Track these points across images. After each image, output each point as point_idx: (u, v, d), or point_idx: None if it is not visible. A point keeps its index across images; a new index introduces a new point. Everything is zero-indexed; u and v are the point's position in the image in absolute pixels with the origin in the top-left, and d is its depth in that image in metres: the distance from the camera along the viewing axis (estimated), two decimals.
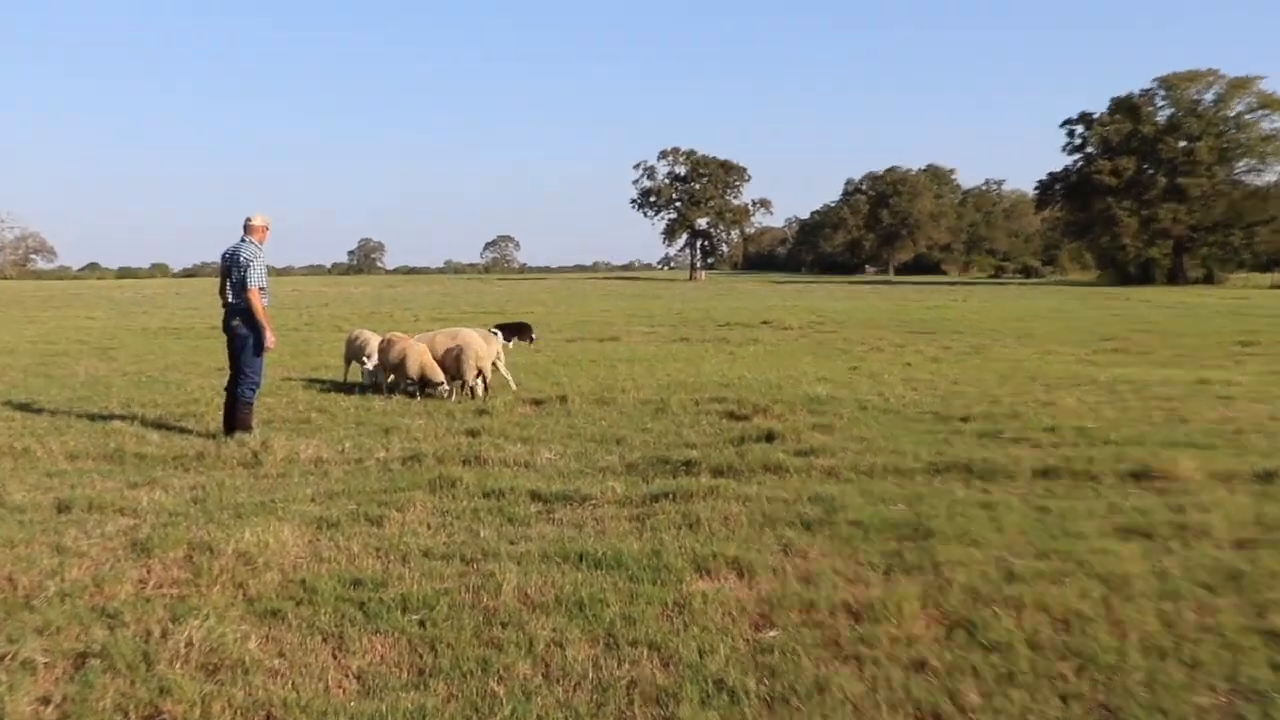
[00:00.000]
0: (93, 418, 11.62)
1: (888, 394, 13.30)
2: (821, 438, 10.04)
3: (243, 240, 10.56)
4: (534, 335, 21.78)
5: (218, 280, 10.83)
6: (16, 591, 5.63)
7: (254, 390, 10.61)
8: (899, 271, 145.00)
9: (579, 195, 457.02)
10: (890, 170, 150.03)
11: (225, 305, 10.60)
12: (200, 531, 6.65)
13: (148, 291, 72.34)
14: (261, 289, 10.49)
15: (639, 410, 12.14)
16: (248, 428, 10.45)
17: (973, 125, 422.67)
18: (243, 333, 10.51)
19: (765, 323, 30.20)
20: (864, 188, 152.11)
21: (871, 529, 6.80)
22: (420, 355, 13.23)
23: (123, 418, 11.66)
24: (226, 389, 10.76)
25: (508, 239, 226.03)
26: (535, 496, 7.76)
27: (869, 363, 18.18)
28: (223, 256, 10.61)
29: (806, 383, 14.57)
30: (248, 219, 10.63)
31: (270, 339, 10.55)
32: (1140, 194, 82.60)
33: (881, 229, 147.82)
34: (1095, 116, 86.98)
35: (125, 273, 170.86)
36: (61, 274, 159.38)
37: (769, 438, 10.01)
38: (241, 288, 10.40)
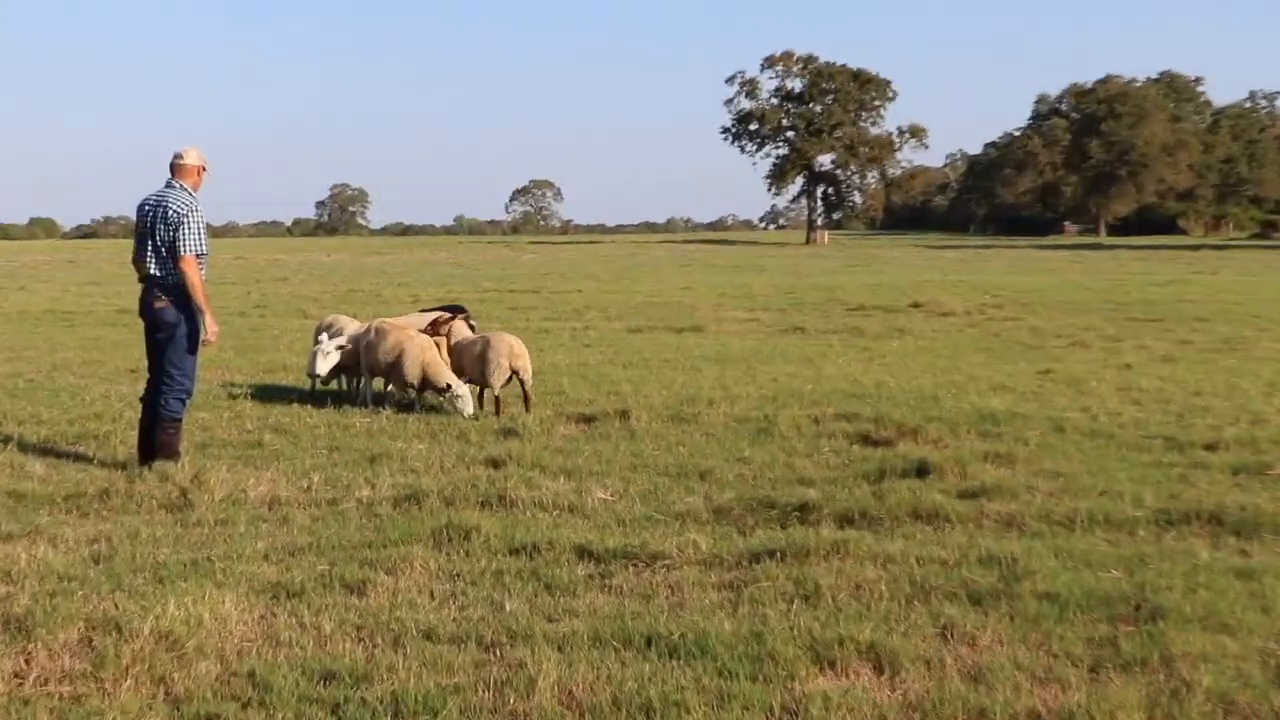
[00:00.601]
0: None
1: (1096, 410, 13.14)
2: (997, 472, 9.96)
3: (169, 185, 10.66)
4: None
5: (132, 244, 10.95)
6: None
7: (184, 401, 10.74)
8: (1115, 230, 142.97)
9: (645, 125, 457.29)
10: (1104, 82, 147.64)
11: (144, 279, 10.71)
12: (104, 603, 6.74)
13: (25, 259, 73.77)
14: (199, 256, 10.58)
15: (732, 432, 12.15)
16: (173, 453, 10.59)
17: (1231, 12, 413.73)
18: (170, 318, 10.58)
19: (916, 305, 30.01)
20: (1063, 108, 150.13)
21: (1071, 605, 6.73)
22: (423, 351, 13.36)
23: None
24: (143, 399, 10.96)
25: (545, 186, 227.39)
26: (584, 554, 7.80)
27: (1068, 364, 18.00)
28: (140, 210, 10.69)
29: (976, 393, 14.44)
30: (176, 155, 10.71)
31: (212, 328, 10.70)
32: None
33: (1089, 169, 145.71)
34: None
35: None
36: None
37: (920, 472, 9.96)
38: (171, 254, 10.50)
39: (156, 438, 10.64)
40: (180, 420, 10.73)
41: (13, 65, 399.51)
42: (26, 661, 6.01)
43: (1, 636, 6.33)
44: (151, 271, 10.58)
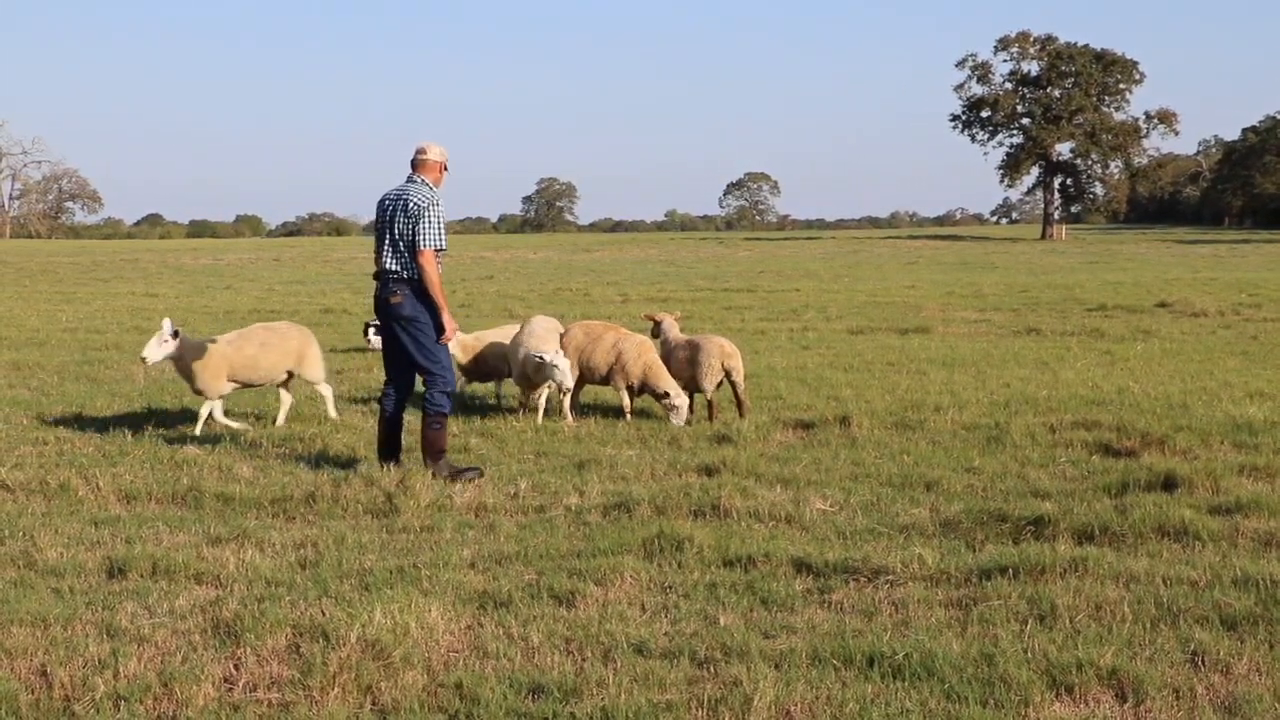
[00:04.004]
0: (157, 441, 12.43)
1: None
2: (1254, 487, 9.69)
3: (410, 180, 10.90)
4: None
5: (373, 240, 11.14)
6: (52, 692, 5.95)
7: (447, 395, 10.88)
8: None
9: (867, 112, 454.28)
10: None
11: (380, 275, 10.94)
12: (310, 610, 6.98)
13: (232, 257, 76.31)
14: (439, 251, 10.76)
15: (961, 440, 12.03)
16: (439, 453, 10.76)
17: None
18: (406, 312, 10.73)
19: (1163, 305, 29.29)
20: None
21: None
22: (644, 353, 13.41)
23: (200, 441, 12.45)
24: (382, 400, 11.22)
25: (761, 179, 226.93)
26: (802, 568, 7.81)
27: None
28: (380, 204, 10.95)
29: (1230, 400, 14.04)
30: (418, 151, 10.95)
31: (449, 325, 10.88)
32: None
33: None
34: None
35: (199, 229, 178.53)
36: (110, 230, 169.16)
37: (1167, 485, 9.74)
38: (410, 249, 10.74)
39: (421, 436, 10.87)
40: (446, 415, 10.88)
41: (219, 62, 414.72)
42: (235, 667, 6.23)
43: (211, 641, 6.57)
44: (388, 266, 10.80)
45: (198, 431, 12.71)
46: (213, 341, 13.05)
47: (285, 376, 13.57)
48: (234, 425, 13.07)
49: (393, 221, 10.74)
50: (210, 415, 13.00)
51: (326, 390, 13.93)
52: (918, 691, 5.83)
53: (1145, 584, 7.33)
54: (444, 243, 10.78)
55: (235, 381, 13.02)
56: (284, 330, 13.76)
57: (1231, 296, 31.94)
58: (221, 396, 12.97)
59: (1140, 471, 10.13)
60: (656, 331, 14.57)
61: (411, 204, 10.66)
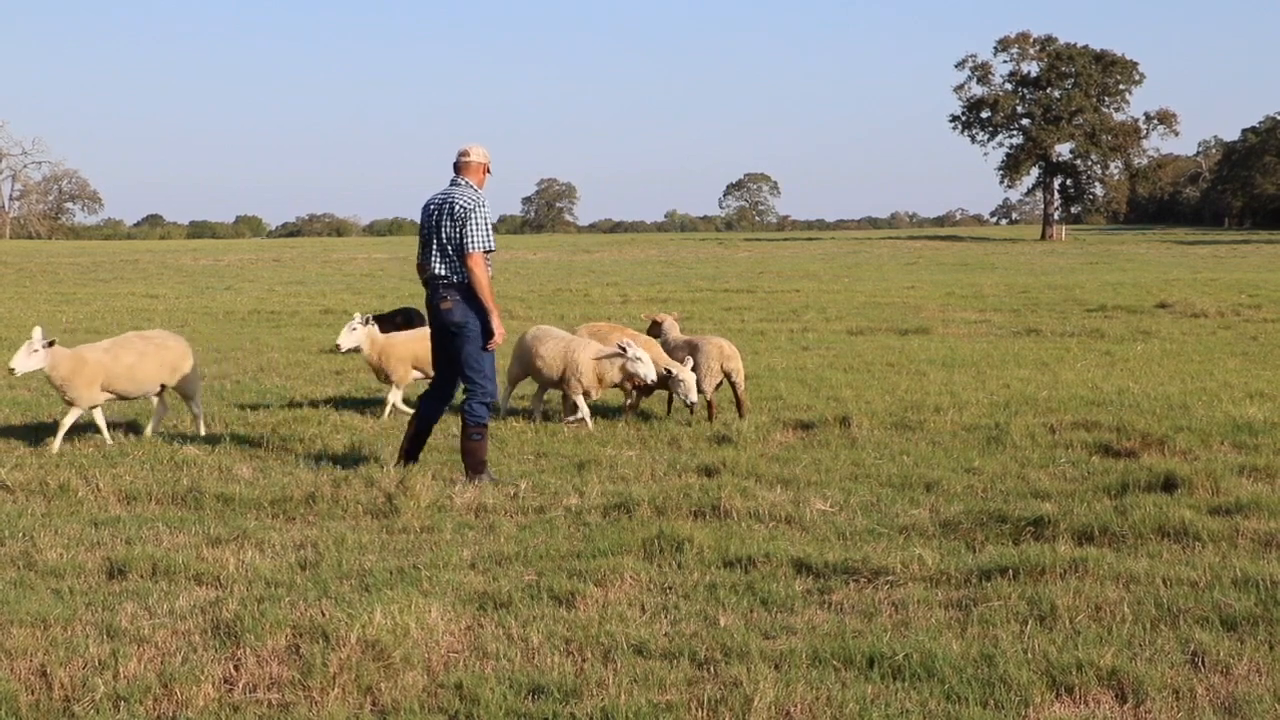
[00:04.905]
0: (156, 442, 12.45)
1: None
2: (1254, 487, 9.70)
3: (454, 183, 10.83)
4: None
5: (419, 244, 11.06)
6: (52, 692, 5.97)
7: (487, 405, 10.84)
8: None
9: (866, 113, 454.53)
10: None
11: (429, 280, 10.86)
12: (310, 610, 6.98)
13: (232, 258, 76.26)
14: (488, 253, 10.71)
15: (961, 440, 12.05)
16: (479, 464, 10.68)
17: None
18: (457, 318, 10.66)
19: (1163, 306, 29.31)
20: None
21: None
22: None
23: (199, 441, 12.48)
24: (421, 398, 11.25)
25: (761, 180, 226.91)
26: (802, 568, 7.82)
27: None
28: (425, 210, 10.88)
29: (1230, 401, 14.05)
30: (461, 153, 10.90)
31: (499, 330, 10.83)
32: None
33: None
34: None
35: (199, 229, 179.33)
36: (110, 231, 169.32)
37: (1167, 486, 9.74)
38: (457, 252, 10.66)
39: (462, 447, 10.80)
40: (485, 425, 10.79)
41: (219, 62, 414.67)
42: (235, 668, 6.24)
43: (211, 641, 6.58)
44: (437, 272, 10.70)
45: (55, 448, 12.06)
46: (88, 350, 12.47)
47: (159, 389, 12.89)
48: (107, 436, 12.57)
49: (439, 226, 10.65)
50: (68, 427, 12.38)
51: (198, 409, 13.21)
52: (918, 692, 5.84)
53: (1145, 585, 7.34)
54: (492, 244, 10.69)
55: (110, 392, 12.44)
56: (161, 340, 13.03)
57: (1231, 297, 31.94)
58: (94, 407, 12.42)
59: (1140, 472, 10.13)
60: (656, 332, 14.58)
61: (457, 207, 10.57)
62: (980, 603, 7.08)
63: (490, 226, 10.66)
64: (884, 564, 7.74)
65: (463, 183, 10.78)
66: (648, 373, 12.77)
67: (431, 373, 11.69)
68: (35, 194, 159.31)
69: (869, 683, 5.96)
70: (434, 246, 10.70)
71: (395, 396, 14.12)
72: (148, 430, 12.95)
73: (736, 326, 25.32)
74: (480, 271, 10.56)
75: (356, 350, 13.88)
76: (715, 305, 32.32)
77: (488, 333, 10.70)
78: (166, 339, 13.07)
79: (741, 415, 13.45)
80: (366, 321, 13.83)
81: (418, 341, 13.79)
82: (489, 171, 10.99)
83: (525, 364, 13.66)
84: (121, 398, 12.77)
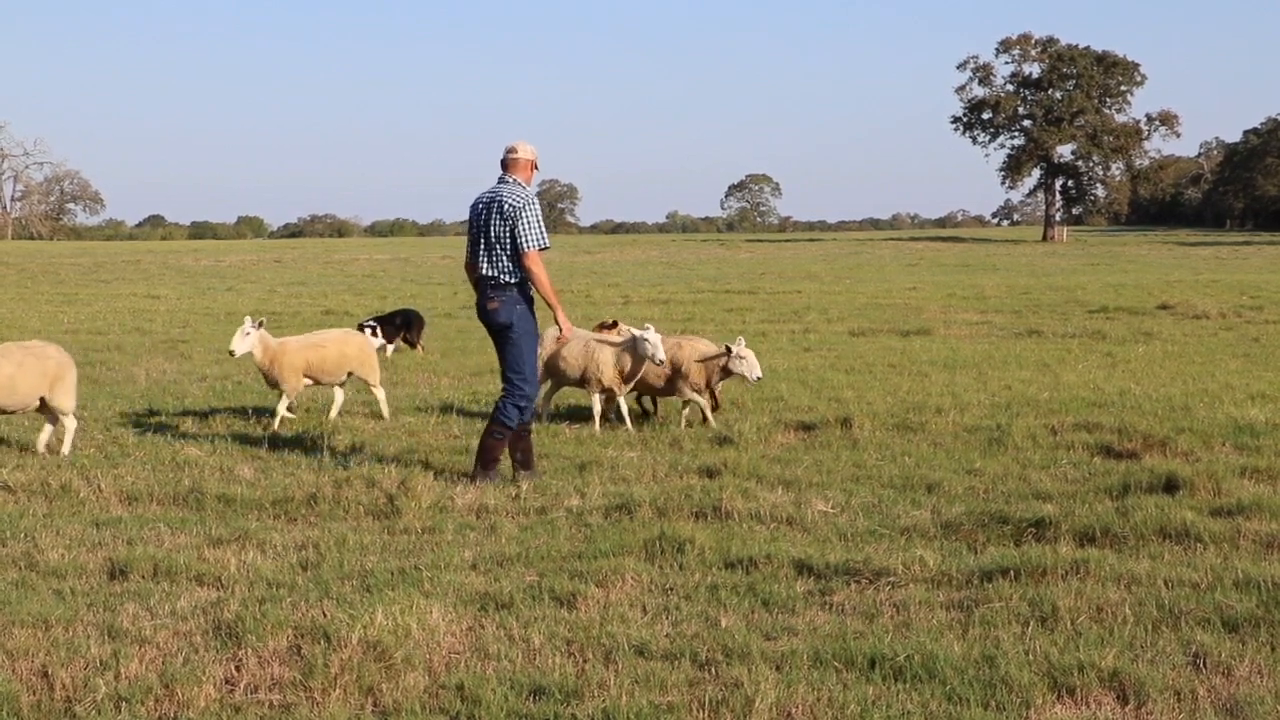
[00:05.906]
0: (158, 442, 12.44)
1: None
2: (1256, 489, 9.69)
3: (502, 181, 10.75)
4: (419, 338, 21.57)
5: (466, 244, 10.98)
6: (53, 693, 5.97)
7: (521, 409, 10.73)
8: None
9: (868, 114, 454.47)
10: None
11: (478, 281, 10.78)
12: (312, 611, 6.98)
13: (233, 258, 76.31)
14: (543, 250, 10.66)
15: (962, 442, 12.05)
16: (491, 464, 10.62)
17: None
18: (503, 319, 10.61)
19: (1164, 307, 29.32)
20: None
21: None
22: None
23: (200, 441, 12.49)
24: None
25: (763, 181, 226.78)
26: (803, 569, 7.82)
27: None
28: (473, 209, 10.81)
29: (1232, 402, 14.04)
30: (509, 150, 10.82)
31: (566, 326, 10.89)
32: None
33: None
34: None
35: (200, 230, 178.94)
36: (112, 231, 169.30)
37: (1169, 487, 9.74)
38: (506, 251, 10.56)
39: (480, 441, 10.77)
40: (512, 427, 10.65)
41: (221, 62, 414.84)
42: (237, 668, 6.24)
43: (212, 642, 6.58)
44: (484, 272, 10.63)
45: None
46: None
47: (39, 403, 11.87)
48: None
49: (488, 225, 10.57)
50: None
51: (70, 423, 12.12)
52: (919, 693, 5.84)
53: (1147, 586, 7.34)
54: (546, 241, 10.62)
55: None
56: (41, 350, 12.04)
57: (1233, 298, 31.95)
58: None
59: (1142, 473, 10.13)
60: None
61: (507, 205, 10.49)
62: (982, 604, 7.08)
63: (542, 223, 10.58)
64: (885, 565, 7.74)
65: (510, 180, 10.72)
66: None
67: (7, 408, 11.44)
68: (37, 195, 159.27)
69: (870, 684, 5.95)
70: (482, 246, 10.62)
71: (282, 406, 13.61)
72: (39, 444, 12.15)
73: (738, 327, 25.21)
74: (539, 269, 10.51)
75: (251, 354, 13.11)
76: (717, 306, 32.35)
77: (535, 333, 10.75)
78: (46, 350, 12.14)
79: (711, 410, 13.31)
80: (259, 325, 13.08)
81: (311, 349, 13.48)
82: (536, 167, 10.89)
83: (547, 364, 13.61)
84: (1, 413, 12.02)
